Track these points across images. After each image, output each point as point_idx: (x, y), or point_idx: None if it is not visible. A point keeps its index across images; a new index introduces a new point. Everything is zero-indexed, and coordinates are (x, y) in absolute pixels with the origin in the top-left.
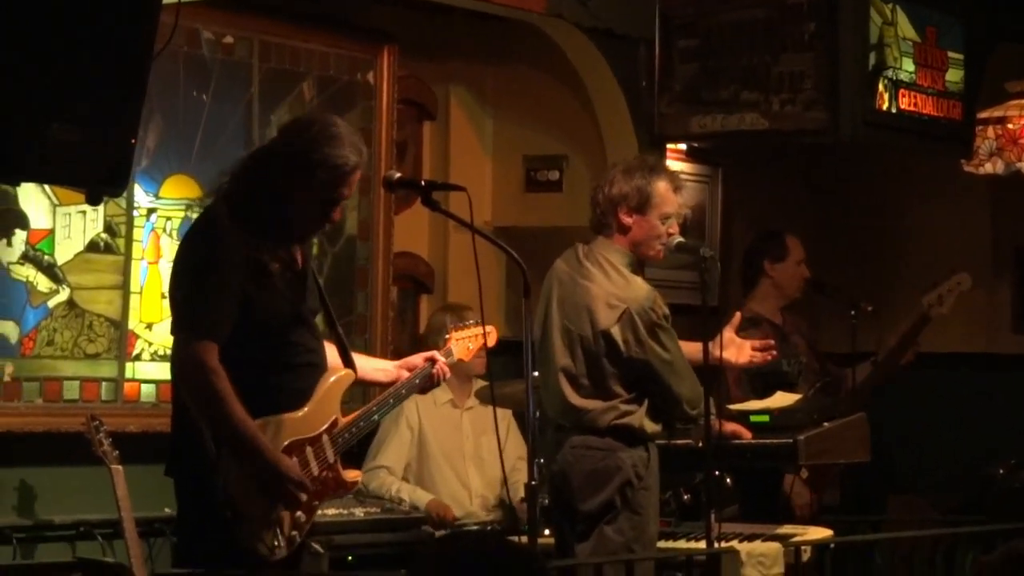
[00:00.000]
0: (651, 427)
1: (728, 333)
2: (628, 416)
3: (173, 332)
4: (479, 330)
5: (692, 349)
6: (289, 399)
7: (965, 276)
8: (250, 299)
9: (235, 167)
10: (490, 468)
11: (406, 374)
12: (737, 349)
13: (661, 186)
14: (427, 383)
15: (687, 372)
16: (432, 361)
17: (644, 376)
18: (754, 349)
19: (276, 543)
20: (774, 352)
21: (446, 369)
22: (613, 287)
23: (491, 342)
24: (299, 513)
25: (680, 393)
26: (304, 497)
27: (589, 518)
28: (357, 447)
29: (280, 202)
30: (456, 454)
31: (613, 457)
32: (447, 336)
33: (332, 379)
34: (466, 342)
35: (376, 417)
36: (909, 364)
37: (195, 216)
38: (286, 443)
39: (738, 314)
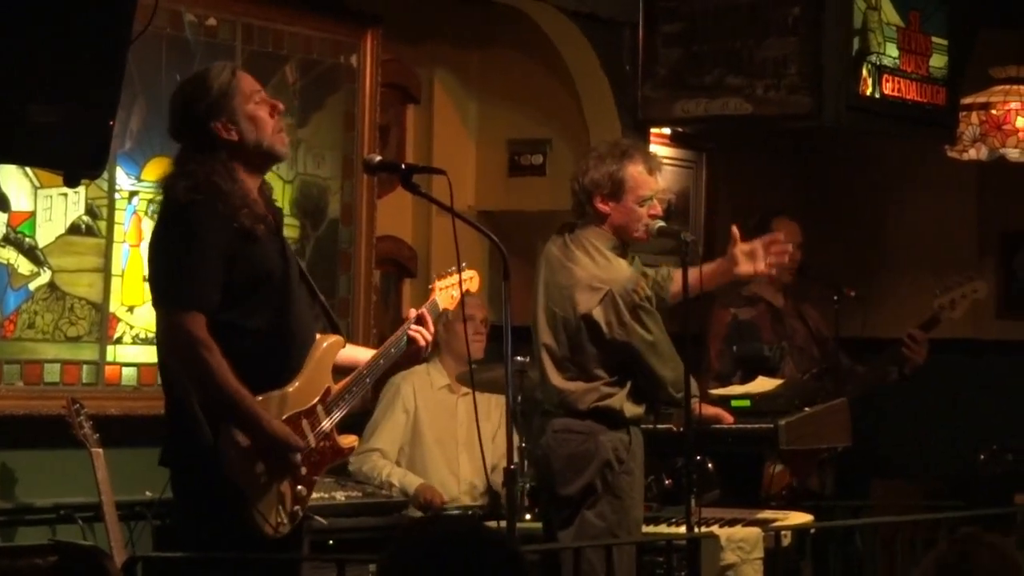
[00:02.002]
0: (632, 410)
1: (740, 246)
2: (609, 398)
3: (156, 308)
4: (463, 275)
5: (713, 270)
6: (281, 370)
7: (982, 284)
8: (236, 259)
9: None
10: (486, 455)
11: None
12: (751, 258)
13: (634, 170)
14: (414, 346)
15: (671, 354)
16: (417, 318)
17: (627, 358)
18: (765, 248)
19: (280, 520)
20: (788, 248)
21: (426, 334)
22: (596, 269)
23: (473, 287)
24: (300, 487)
25: (664, 376)
26: (299, 462)
27: (570, 503)
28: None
29: (222, 141)
30: (449, 440)
31: (593, 440)
32: (431, 287)
33: (323, 346)
34: (449, 291)
35: (368, 380)
36: (918, 365)
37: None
38: (283, 418)
39: (734, 228)
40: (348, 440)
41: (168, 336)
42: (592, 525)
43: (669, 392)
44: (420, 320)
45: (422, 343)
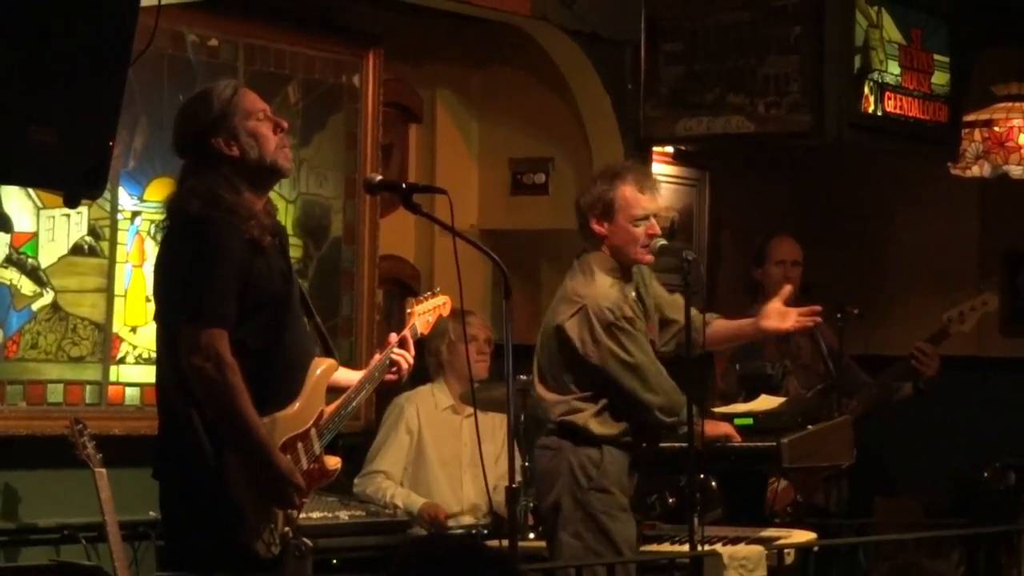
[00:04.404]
0: (599, 429)
1: (775, 303)
2: (575, 413)
3: (170, 325)
4: (437, 301)
5: (734, 327)
6: (277, 392)
7: (992, 296)
8: (248, 276)
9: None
10: (489, 476)
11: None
12: (780, 316)
13: (625, 190)
14: (397, 369)
15: (659, 378)
16: (400, 342)
17: (601, 377)
18: (800, 315)
19: (273, 540)
20: (818, 319)
21: (408, 357)
22: (578, 285)
23: (446, 312)
24: (291, 509)
25: (648, 400)
26: (298, 503)
27: (547, 520)
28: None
29: (225, 158)
30: (452, 460)
31: (559, 457)
32: (409, 312)
33: (318, 371)
34: (426, 316)
35: (353, 405)
36: (931, 378)
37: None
38: (281, 441)
39: (788, 287)
40: (333, 462)
41: (193, 352)
42: (566, 545)
43: (657, 417)
44: (402, 344)
45: (405, 367)
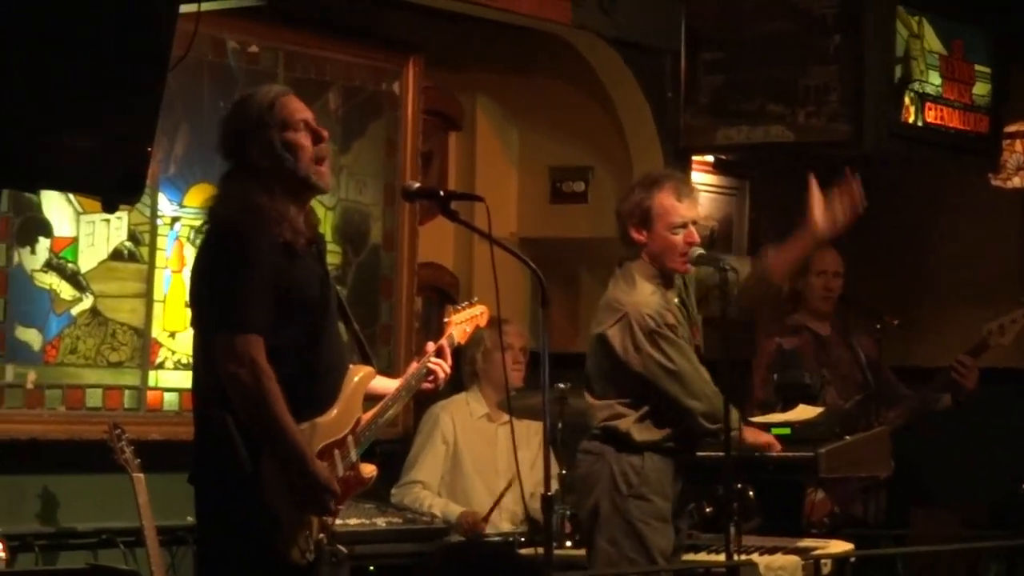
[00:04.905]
0: (641, 435)
1: (816, 206)
2: (618, 419)
3: (206, 330)
4: (475, 311)
5: (790, 248)
6: (311, 398)
7: None
8: (281, 282)
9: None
10: (524, 483)
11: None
12: (826, 213)
13: (663, 198)
14: (433, 378)
15: (702, 385)
16: (437, 351)
17: (643, 384)
18: (840, 200)
19: (308, 547)
20: (859, 193)
21: (445, 367)
22: (619, 292)
23: (483, 323)
24: (326, 516)
25: (692, 406)
26: (334, 509)
27: (585, 525)
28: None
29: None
30: (489, 469)
31: (601, 462)
32: (447, 321)
33: (356, 378)
34: (464, 325)
35: (391, 412)
36: (971, 390)
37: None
38: (318, 448)
39: (812, 179)
40: (368, 469)
41: (228, 359)
42: (602, 551)
43: (701, 423)
44: (439, 353)
45: (441, 375)
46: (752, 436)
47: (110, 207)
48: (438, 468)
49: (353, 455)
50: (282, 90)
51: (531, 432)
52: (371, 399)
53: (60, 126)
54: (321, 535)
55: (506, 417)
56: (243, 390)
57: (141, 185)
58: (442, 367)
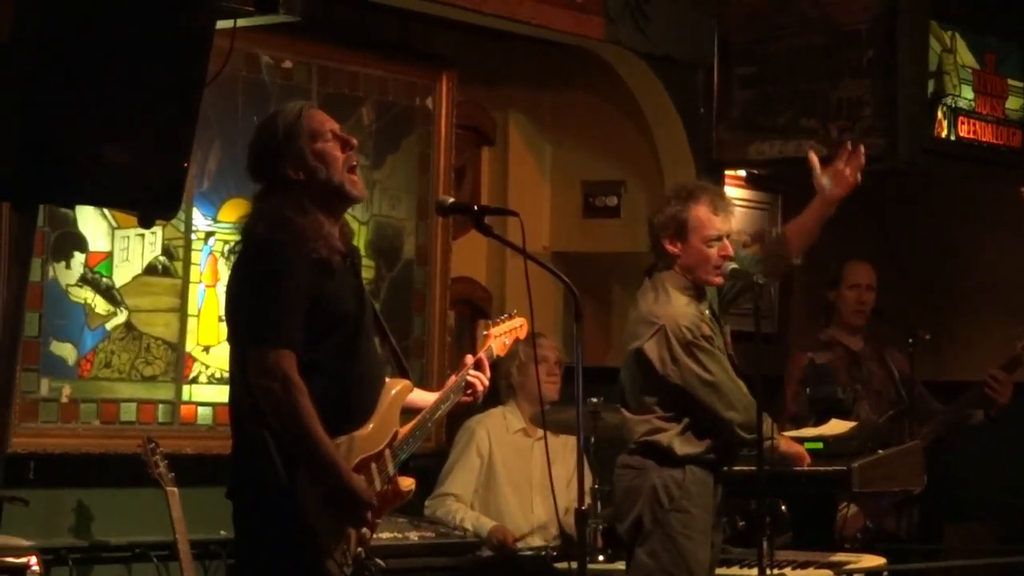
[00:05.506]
0: (683, 448)
1: (821, 176)
2: (659, 433)
3: (242, 345)
4: (514, 323)
5: (803, 220)
6: (347, 413)
7: None
8: (317, 298)
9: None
10: (558, 498)
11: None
12: (836, 182)
13: (698, 210)
14: (472, 391)
15: (738, 395)
16: (475, 364)
17: (682, 396)
18: (846, 164)
19: (345, 561)
20: (862, 156)
21: (484, 379)
22: (655, 306)
23: (522, 335)
24: (364, 529)
25: (730, 417)
26: (370, 520)
27: (626, 540)
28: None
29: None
30: (523, 483)
31: (643, 476)
32: (486, 334)
33: (393, 392)
34: (503, 338)
35: (430, 425)
36: (1004, 405)
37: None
38: (355, 462)
39: (813, 153)
40: (407, 483)
41: (260, 374)
42: (642, 564)
43: (739, 434)
44: (478, 365)
45: (480, 388)
46: (786, 445)
47: (147, 222)
48: (472, 481)
49: (391, 469)
50: (306, 104)
51: (567, 448)
52: (409, 412)
53: (98, 142)
54: (359, 549)
55: (542, 432)
56: (275, 404)
57: (178, 200)
58: (480, 380)
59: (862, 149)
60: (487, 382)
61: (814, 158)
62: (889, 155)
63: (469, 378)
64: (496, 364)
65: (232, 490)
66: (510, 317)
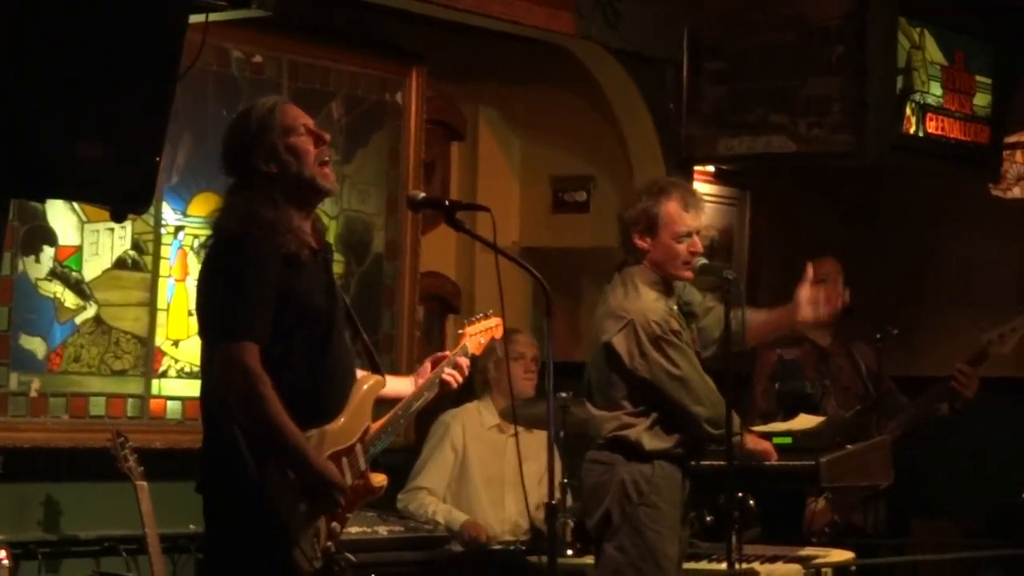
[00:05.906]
0: (651, 443)
1: (803, 291)
2: (627, 428)
3: (211, 340)
4: (490, 323)
5: (768, 320)
6: (317, 407)
7: None
8: (285, 293)
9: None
10: (530, 494)
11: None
12: (813, 305)
13: (669, 206)
14: (446, 389)
15: (706, 391)
16: (448, 361)
17: (650, 390)
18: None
19: (315, 555)
20: (839, 292)
21: (459, 377)
22: (623, 300)
23: (498, 334)
24: (334, 523)
25: (697, 412)
26: (343, 503)
27: (594, 534)
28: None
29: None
30: (496, 479)
31: (611, 471)
32: (461, 332)
33: (365, 387)
34: (478, 337)
35: (402, 421)
36: (969, 399)
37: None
38: (327, 455)
39: (810, 268)
40: (378, 479)
41: (224, 367)
42: (611, 558)
43: (706, 429)
44: (456, 366)
45: (454, 386)
46: (752, 442)
47: (119, 217)
48: (445, 476)
49: (362, 463)
50: (280, 98)
51: (541, 444)
52: (384, 403)
53: (70, 137)
54: (329, 543)
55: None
56: (238, 395)
57: (150, 195)
58: (455, 378)
59: (848, 295)
60: (462, 380)
61: (809, 271)
62: (858, 151)
63: (444, 376)
64: (473, 360)
65: (202, 484)
66: (485, 316)
